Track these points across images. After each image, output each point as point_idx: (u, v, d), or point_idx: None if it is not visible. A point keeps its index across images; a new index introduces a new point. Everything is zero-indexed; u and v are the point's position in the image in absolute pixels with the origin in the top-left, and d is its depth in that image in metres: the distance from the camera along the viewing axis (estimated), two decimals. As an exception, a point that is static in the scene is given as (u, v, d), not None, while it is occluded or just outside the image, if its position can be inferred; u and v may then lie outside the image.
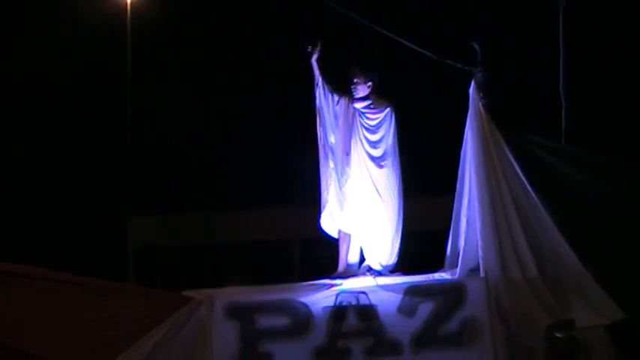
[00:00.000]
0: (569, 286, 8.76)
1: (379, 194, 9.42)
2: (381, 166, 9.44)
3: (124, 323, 8.19)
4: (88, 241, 18.88)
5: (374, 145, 9.45)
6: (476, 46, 9.29)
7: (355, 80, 9.44)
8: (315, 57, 9.40)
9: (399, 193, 9.48)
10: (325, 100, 9.49)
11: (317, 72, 9.44)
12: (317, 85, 9.47)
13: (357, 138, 9.45)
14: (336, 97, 9.45)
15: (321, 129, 9.53)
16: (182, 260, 20.03)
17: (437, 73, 9.55)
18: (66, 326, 8.01)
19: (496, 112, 9.15)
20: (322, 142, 9.55)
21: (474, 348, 8.45)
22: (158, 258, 20.90)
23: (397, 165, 9.49)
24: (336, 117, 9.46)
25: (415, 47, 9.46)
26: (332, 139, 9.51)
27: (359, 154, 9.45)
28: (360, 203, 9.42)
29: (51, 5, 19.38)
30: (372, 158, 9.44)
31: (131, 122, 20.40)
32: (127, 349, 8.15)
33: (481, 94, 9.20)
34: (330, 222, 9.54)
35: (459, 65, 9.31)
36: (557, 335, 8.13)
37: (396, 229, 9.45)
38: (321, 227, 9.57)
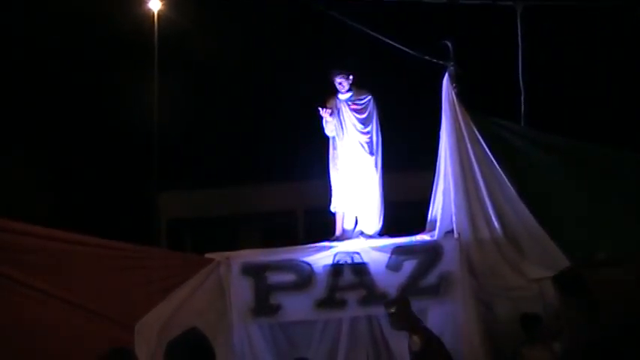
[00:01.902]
0: (529, 243, 8.79)
1: (367, 173, 9.52)
2: (369, 149, 9.52)
3: (156, 281, 8.26)
4: (125, 214, 18.75)
5: (361, 129, 9.53)
6: (448, 43, 9.35)
7: (339, 80, 9.52)
8: (327, 118, 9.48)
9: (381, 170, 9.59)
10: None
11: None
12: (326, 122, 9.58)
13: (347, 124, 9.54)
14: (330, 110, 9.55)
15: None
16: (204, 228, 20.02)
17: (417, 66, 9.55)
18: (112, 284, 8.05)
19: (465, 99, 9.20)
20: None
21: (449, 297, 8.55)
22: (184, 227, 20.92)
23: (380, 146, 9.60)
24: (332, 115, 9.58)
25: (401, 46, 9.49)
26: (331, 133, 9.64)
27: (349, 139, 9.54)
28: (351, 183, 9.53)
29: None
30: (360, 142, 9.52)
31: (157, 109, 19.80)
32: (159, 303, 8.21)
33: (453, 85, 9.24)
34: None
35: (435, 60, 9.37)
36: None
37: (381, 201, 9.56)
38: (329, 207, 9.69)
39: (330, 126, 9.51)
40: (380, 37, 9.47)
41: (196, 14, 18.22)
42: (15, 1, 18.07)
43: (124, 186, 19.90)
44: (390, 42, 9.45)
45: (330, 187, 9.66)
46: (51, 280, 7.80)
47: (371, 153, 9.54)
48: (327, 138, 9.67)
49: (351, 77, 9.55)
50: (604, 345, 3.46)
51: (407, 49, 9.41)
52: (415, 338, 7.66)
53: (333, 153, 9.63)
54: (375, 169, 9.56)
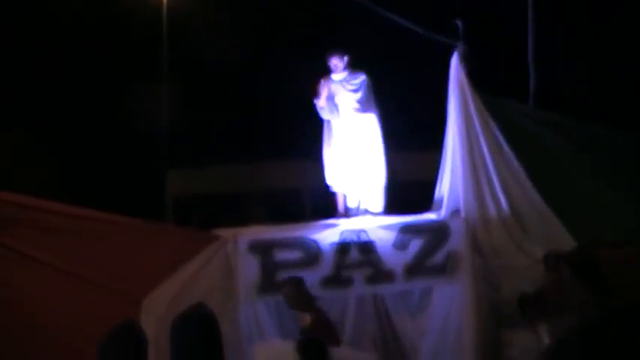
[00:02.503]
0: (536, 224, 8.76)
1: (366, 152, 9.51)
2: (366, 129, 9.51)
3: (163, 257, 8.27)
4: (132, 192, 18.80)
5: (357, 109, 9.52)
6: (459, 22, 9.30)
7: (334, 61, 9.52)
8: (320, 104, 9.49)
9: (384, 149, 9.58)
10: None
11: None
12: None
13: (343, 105, 9.54)
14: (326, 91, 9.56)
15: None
16: (211, 206, 20.06)
17: (424, 44, 9.51)
18: (119, 260, 8.07)
19: (474, 79, 9.16)
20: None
21: (455, 276, 8.54)
22: (192, 204, 20.95)
23: (378, 125, 9.58)
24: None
25: (409, 25, 9.46)
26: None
27: (346, 119, 9.54)
28: (350, 162, 9.52)
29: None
30: (357, 122, 9.52)
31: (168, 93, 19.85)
32: (167, 279, 8.24)
33: (463, 64, 9.21)
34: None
35: (444, 39, 9.33)
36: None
37: (384, 179, 9.55)
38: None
39: (325, 111, 9.51)
40: (387, 13, 9.42)
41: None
42: None
43: (132, 164, 19.95)
44: (398, 19, 9.40)
45: (323, 168, 9.65)
46: (58, 253, 7.86)
47: (368, 132, 9.53)
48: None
49: (345, 58, 9.55)
50: (611, 326, 3.43)
51: (415, 28, 9.37)
52: (305, 317, 7.77)
53: (329, 134, 9.62)
54: (374, 148, 9.54)
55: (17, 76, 18.22)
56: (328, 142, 9.63)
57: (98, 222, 8.23)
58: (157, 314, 7.89)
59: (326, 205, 9.86)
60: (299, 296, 7.94)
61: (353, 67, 9.64)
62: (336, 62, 9.54)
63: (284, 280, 8.17)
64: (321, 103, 9.46)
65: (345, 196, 9.60)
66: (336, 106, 9.54)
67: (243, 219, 9.79)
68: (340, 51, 9.60)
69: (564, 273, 6.38)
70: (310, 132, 9.82)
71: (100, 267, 7.96)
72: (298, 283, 8.02)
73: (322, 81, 9.55)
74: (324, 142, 9.65)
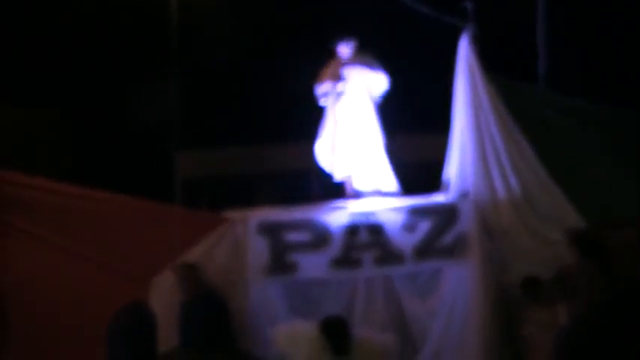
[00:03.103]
0: (545, 206, 8.75)
1: (373, 134, 9.54)
2: (374, 111, 9.53)
3: (172, 238, 8.17)
4: (141, 173, 18.83)
5: (364, 91, 9.53)
6: (468, 4, 9.25)
7: (341, 48, 9.60)
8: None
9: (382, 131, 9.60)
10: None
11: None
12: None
13: (350, 89, 9.54)
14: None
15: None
16: (221, 187, 20.07)
17: (433, 25, 9.48)
18: (128, 240, 8.13)
19: (483, 60, 9.12)
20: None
21: (464, 258, 8.53)
22: (201, 186, 20.96)
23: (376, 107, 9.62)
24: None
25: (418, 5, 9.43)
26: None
27: (353, 102, 9.55)
28: (358, 145, 9.54)
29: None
30: (364, 104, 9.55)
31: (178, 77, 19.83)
32: (176, 260, 8.23)
33: (472, 45, 9.17)
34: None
35: (453, 21, 9.29)
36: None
37: (391, 161, 9.57)
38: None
39: (325, 98, 9.51)
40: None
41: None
42: None
43: (141, 146, 19.97)
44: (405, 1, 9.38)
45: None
46: (66, 235, 7.90)
47: (376, 114, 9.56)
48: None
49: (352, 44, 9.60)
50: (621, 304, 3.43)
51: (423, 9, 9.33)
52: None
53: (328, 120, 9.62)
54: (381, 129, 9.56)
55: (29, 59, 18.23)
56: (327, 129, 9.63)
57: (107, 203, 8.26)
58: (165, 295, 7.94)
59: (335, 187, 9.85)
60: (186, 281, 7.99)
61: (360, 50, 9.65)
62: (344, 49, 9.57)
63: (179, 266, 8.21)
64: (324, 88, 9.47)
65: (352, 178, 9.60)
66: (340, 91, 9.53)
67: (253, 201, 9.79)
68: (347, 37, 9.63)
69: (574, 253, 6.38)
70: (320, 114, 9.82)
71: (109, 249, 7.99)
72: (188, 268, 8.12)
73: (328, 66, 9.57)
74: (325, 129, 9.66)
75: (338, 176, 9.68)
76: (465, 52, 9.19)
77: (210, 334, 4.96)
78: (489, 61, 9.11)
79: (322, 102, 9.61)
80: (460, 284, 8.50)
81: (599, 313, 3.31)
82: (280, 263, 8.57)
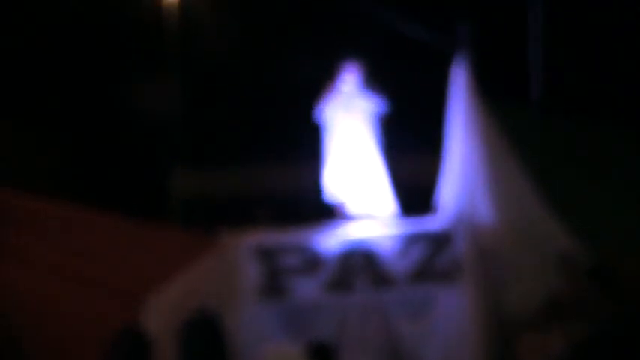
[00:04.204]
0: (539, 231, 8.72)
1: (370, 156, 9.57)
2: (372, 132, 9.59)
3: (166, 259, 8.32)
4: (138, 193, 18.82)
5: (365, 112, 9.58)
6: (465, 28, 9.31)
7: (346, 73, 9.60)
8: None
9: (382, 155, 9.64)
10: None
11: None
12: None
13: (349, 109, 9.58)
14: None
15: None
16: (215, 208, 20.07)
17: (431, 52, 9.56)
18: (122, 260, 8.16)
19: (477, 82, 9.16)
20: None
21: (459, 282, 8.53)
22: (196, 207, 20.97)
23: (382, 129, 9.65)
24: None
25: (411, 29, 9.49)
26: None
27: (351, 123, 9.58)
28: (354, 168, 9.57)
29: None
30: (364, 125, 9.57)
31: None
32: (169, 281, 8.25)
33: (466, 67, 9.20)
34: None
35: (450, 45, 9.35)
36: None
37: (388, 183, 9.59)
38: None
39: (325, 118, 9.55)
40: (387, 15, 9.45)
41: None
42: None
43: (138, 165, 20.00)
44: (400, 23, 9.45)
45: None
46: (60, 254, 7.91)
47: (374, 135, 9.59)
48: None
49: (358, 70, 9.59)
50: (624, 328, 3.48)
51: (418, 32, 9.41)
52: None
53: (328, 143, 9.66)
54: (378, 151, 9.60)
55: (26, 75, 18.25)
56: (327, 152, 9.67)
57: (102, 223, 8.29)
58: (160, 316, 7.89)
59: (329, 210, 9.88)
60: None
61: (366, 79, 9.66)
62: (349, 74, 9.58)
63: None
64: (324, 110, 9.52)
65: (347, 202, 9.62)
66: (340, 113, 9.57)
67: (247, 222, 9.82)
68: (354, 62, 9.63)
69: (580, 277, 6.41)
70: (316, 136, 9.87)
71: (103, 268, 8.01)
72: None
73: (330, 88, 9.62)
74: (324, 151, 9.70)
75: (334, 199, 9.72)
76: (458, 74, 9.21)
77: (210, 357, 4.98)
78: (484, 85, 9.16)
79: (322, 123, 9.64)
80: (454, 309, 8.49)
81: (604, 339, 3.35)
82: (273, 286, 8.56)
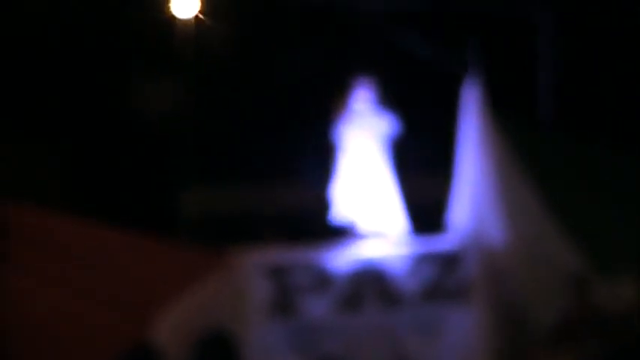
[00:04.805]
0: (550, 251, 8.73)
1: (381, 173, 9.54)
2: (384, 149, 9.56)
3: (176, 276, 8.30)
4: (148, 210, 18.80)
5: (376, 131, 9.57)
6: (475, 48, 9.33)
7: (359, 91, 9.56)
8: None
9: (394, 171, 9.61)
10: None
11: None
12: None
13: (362, 127, 9.57)
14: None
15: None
16: (225, 226, 20.06)
17: (443, 72, 9.57)
18: (131, 277, 8.16)
19: (488, 102, 9.16)
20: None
21: (468, 302, 8.53)
22: (205, 224, 20.94)
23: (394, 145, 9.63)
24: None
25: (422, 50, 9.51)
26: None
27: (363, 141, 9.56)
28: (365, 185, 9.54)
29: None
30: (376, 143, 9.55)
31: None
32: (179, 299, 8.22)
33: (478, 87, 9.21)
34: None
35: (461, 65, 9.36)
36: None
37: (399, 201, 9.57)
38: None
39: (337, 137, 9.56)
40: (400, 36, 9.48)
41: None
42: None
43: (146, 183, 19.97)
44: (413, 44, 9.47)
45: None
46: (69, 271, 7.91)
47: (385, 154, 9.56)
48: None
49: (372, 89, 9.56)
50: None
51: (431, 53, 9.43)
52: None
53: (342, 159, 9.66)
54: (390, 170, 9.57)
55: (25, 88, 18.26)
56: (339, 170, 9.68)
57: (110, 240, 8.29)
58: (171, 333, 7.87)
59: (340, 229, 9.88)
60: None
61: (379, 97, 9.65)
62: (362, 92, 9.58)
63: None
64: (337, 128, 9.54)
65: (358, 221, 9.63)
66: (351, 131, 9.57)
67: (257, 240, 9.82)
68: (367, 79, 9.62)
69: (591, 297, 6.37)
70: (328, 154, 9.88)
71: (112, 286, 7.99)
72: None
73: (343, 106, 9.63)
74: (335, 170, 9.72)
75: (345, 217, 9.72)
76: (470, 95, 9.23)
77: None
78: (495, 105, 9.17)
79: (334, 141, 9.65)
80: (464, 329, 8.48)
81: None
82: (283, 305, 8.55)
